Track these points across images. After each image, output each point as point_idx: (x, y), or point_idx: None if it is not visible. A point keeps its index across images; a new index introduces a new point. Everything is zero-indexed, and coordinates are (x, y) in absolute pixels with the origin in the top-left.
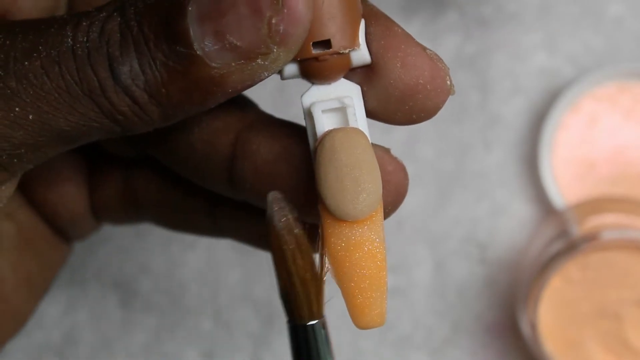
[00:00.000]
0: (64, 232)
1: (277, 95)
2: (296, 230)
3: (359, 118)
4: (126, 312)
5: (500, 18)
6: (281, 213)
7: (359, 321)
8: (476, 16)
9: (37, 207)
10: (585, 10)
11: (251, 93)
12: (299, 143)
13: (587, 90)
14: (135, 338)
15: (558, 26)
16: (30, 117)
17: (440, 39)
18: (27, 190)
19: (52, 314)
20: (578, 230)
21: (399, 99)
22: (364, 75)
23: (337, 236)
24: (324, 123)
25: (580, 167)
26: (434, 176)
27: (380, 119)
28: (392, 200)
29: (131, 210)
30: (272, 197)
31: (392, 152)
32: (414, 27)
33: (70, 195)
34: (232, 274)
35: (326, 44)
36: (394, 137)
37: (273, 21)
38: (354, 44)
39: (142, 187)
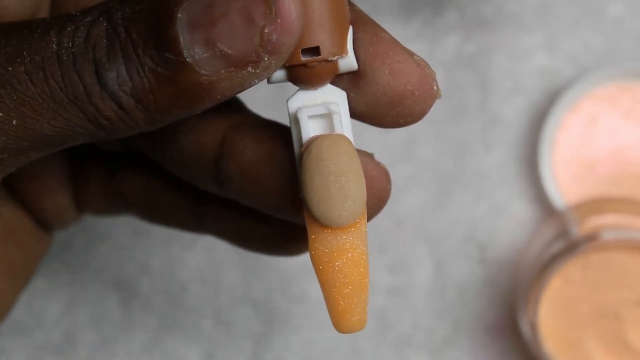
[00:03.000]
0: (47, 224)
1: (277, 93)
2: None
3: (344, 124)
4: (126, 312)
5: (500, 18)
6: None
7: (340, 326)
8: (476, 16)
9: (21, 200)
10: (585, 10)
11: (250, 90)
12: (285, 144)
13: (587, 90)
14: (135, 338)
15: (558, 26)
16: (14, 122)
17: (440, 39)
18: (11, 183)
19: (52, 314)
20: (578, 230)
21: (387, 105)
22: (351, 81)
23: (321, 242)
24: (310, 129)
25: (580, 167)
26: (433, 176)
27: (367, 122)
28: (374, 205)
29: (115, 203)
30: None
31: (391, 150)
32: (413, 27)
33: (54, 188)
34: (232, 274)
35: (315, 50)
36: (393, 136)
37: (266, 31)
38: (342, 51)
39: (127, 181)
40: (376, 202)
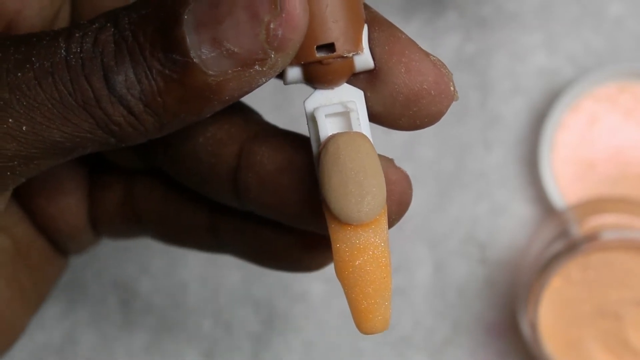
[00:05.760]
0: (62, 246)
1: (278, 94)
2: None
3: (362, 122)
4: (126, 312)
5: (500, 18)
6: None
7: (363, 326)
8: (476, 16)
9: (36, 220)
10: (585, 10)
11: (252, 92)
12: (303, 153)
13: (587, 90)
14: (135, 338)
15: (558, 26)
16: (24, 128)
17: (440, 39)
18: (26, 203)
19: (52, 314)
20: (578, 230)
21: (403, 104)
22: (368, 81)
23: (341, 241)
24: (328, 127)
25: (580, 167)
26: (434, 176)
27: (384, 124)
28: (396, 210)
29: (131, 223)
30: None
31: (392, 150)
32: (413, 27)
33: (70, 207)
34: (232, 274)
35: (330, 47)
36: (394, 137)
37: (271, 26)
38: (357, 47)
39: (143, 200)
40: (398, 207)
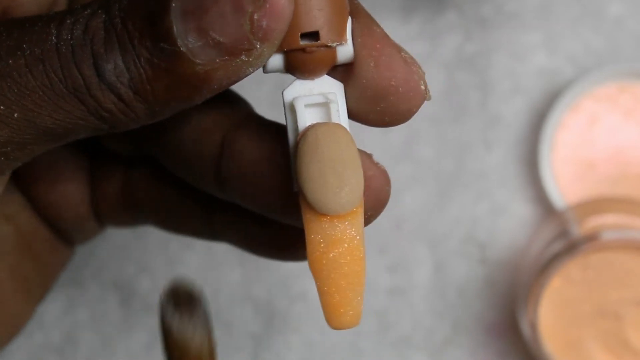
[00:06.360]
0: (66, 235)
1: (276, 91)
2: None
3: (342, 115)
4: (126, 312)
5: (500, 18)
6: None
7: (333, 321)
8: (476, 16)
9: (39, 209)
10: (585, 10)
11: (250, 89)
12: (284, 144)
13: (587, 90)
14: (135, 338)
15: (558, 26)
16: (15, 115)
17: (440, 38)
18: (28, 191)
19: (52, 314)
20: (578, 230)
21: (371, 100)
22: (344, 74)
23: (317, 232)
24: (307, 117)
25: (580, 167)
26: (433, 176)
27: (355, 119)
28: (373, 206)
29: (131, 211)
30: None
31: (391, 150)
32: (413, 27)
33: (71, 195)
34: (232, 274)
35: (314, 36)
36: (393, 136)
37: (255, 17)
38: (341, 38)
39: (142, 188)
40: (375, 202)
